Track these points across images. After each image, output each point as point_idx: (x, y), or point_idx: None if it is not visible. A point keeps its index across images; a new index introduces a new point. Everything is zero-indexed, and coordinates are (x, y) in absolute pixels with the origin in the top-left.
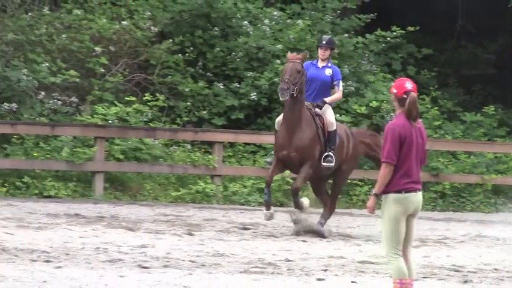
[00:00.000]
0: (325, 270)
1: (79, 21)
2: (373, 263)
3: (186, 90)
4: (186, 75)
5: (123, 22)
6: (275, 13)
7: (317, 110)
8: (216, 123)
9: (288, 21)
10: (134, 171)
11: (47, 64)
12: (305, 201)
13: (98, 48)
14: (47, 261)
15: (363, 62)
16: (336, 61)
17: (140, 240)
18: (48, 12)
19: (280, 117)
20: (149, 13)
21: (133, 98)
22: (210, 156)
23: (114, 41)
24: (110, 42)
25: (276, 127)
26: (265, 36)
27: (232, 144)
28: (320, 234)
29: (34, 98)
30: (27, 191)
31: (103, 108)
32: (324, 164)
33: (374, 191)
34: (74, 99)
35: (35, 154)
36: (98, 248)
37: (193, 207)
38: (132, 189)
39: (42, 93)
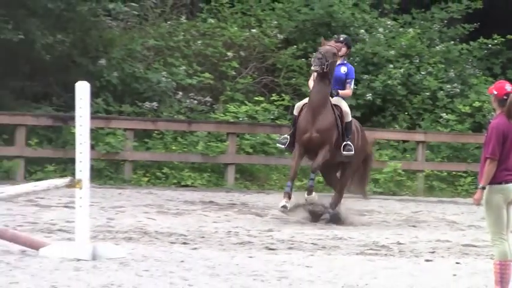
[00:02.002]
0: (433, 252)
1: (213, 29)
2: (475, 246)
3: (309, 91)
4: (308, 78)
5: (252, 30)
6: (388, 22)
7: (332, 100)
8: None
9: (400, 29)
10: (262, 163)
11: (184, 67)
12: (315, 195)
13: (229, 53)
14: (184, 243)
15: (467, 66)
16: (443, 65)
17: (267, 225)
18: (185, 21)
19: (301, 102)
20: (276, 22)
21: (262, 98)
22: None
23: (244, 46)
24: (240, 48)
25: (295, 112)
26: (379, 43)
27: None
28: (336, 221)
29: (172, 97)
30: (167, 180)
31: (234, 107)
32: (344, 152)
33: (481, 184)
34: (208, 98)
35: (173, 148)
36: (230, 231)
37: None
38: (260, 179)
39: (180, 93)
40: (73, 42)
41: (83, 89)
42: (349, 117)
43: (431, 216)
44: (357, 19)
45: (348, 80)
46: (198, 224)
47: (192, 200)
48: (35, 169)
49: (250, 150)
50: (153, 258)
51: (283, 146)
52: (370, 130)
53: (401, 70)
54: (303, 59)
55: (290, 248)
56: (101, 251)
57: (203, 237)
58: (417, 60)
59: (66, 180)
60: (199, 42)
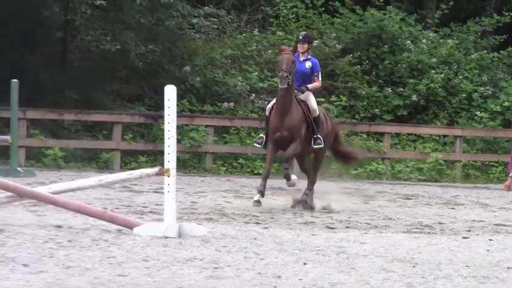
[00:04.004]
0: (469, 231)
1: (281, 40)
2: (505, 226)
3: (363, 93)
4: (362, 82)
5: (314, 41)
6: (431, 34)
7: (300, 96)
8: (385, 119)
9: (441, 40)
10: None
11: (257, 73)
12: (293, 176)
13: None
14: (257, 223)
15: (498, 71)
16: (477, 71)
17: (328, 207)
18: (257, 33)
19: (271, 104)
20: (334, 34)
21: (323, 99)
22: (381, 144)
23: None
24: None
25: (267, 113)
26: (423, 52)
27: (398, 135)
28: (311, 207)
29: (247, 98)
30: (242, 169)
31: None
32: (315, 146)
33: (511, 173)
34: None
35: (248, 141)
36: (295, 213)
37: (368, 182)
38: (321, 168)
39: (253, 95)
40: (162, 52)
41: (170, 92)
42: (316, 113)
43: (467, 200)
44: (404, 32)
45: (315, 73)
46: (269, 207)
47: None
48: (129, 160)
49: None
50: (230, 236)
51: (259, 146)
52: (415, 126)
53: (442, 75)
54: (357, 66)
55: (347, 227)
56: (186, 229)
57: (273, 218)
58: (455, 67)
59: (156, 169)
60: (269, 51)
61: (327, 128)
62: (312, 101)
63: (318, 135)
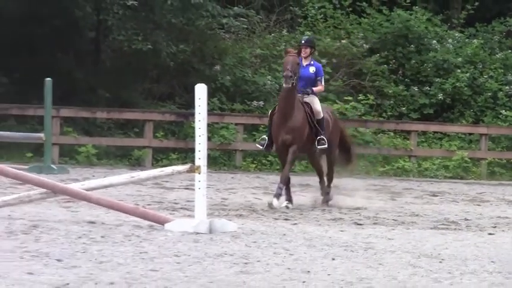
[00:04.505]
0: (494, 227)
1: None
2: None
3: (390, 92)
4: (389, 81)
5: (342, 41)
6: (456, 34)
7: (305, 98)
8: (412, 117)
9: (466, 40)
10: None
11: None
12: (282, 203)
13: (323, 60)
14: (286, 219)
15: None
16: (502, 70)
17: (356, 203)
18: (286, 33)
19: (274, 107)
20: (362, 34)
21: (350, 98)
22: (407, 142)
23: (336, 55)
24: (332, 56)
25: (269, 118)
26: (448, 52)
27: (424, 133)
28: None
29: (276, 97)
30: (271, 167)
31: (327, 105)
32: (319, 146)
33: None
34: None
35: None
36: (325, 209)
37: (395, 180)
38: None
39: None
40: (193, 51)
41: (201, 90)
42: (320, 115)
43: (493, 197)
44: (430, 32)
45: (318, 78)
46: (298, 203)
47: (292, 183)
48: (160, 157)
49: None
50: (260, 232)
51: (261, 147)
52: (441, 124)
53: (467, 74)
54: (384, 65)
55: (375, 224)
56: (216, 225)
57: (302, 214)
58: (480, 66)
59: (186, 166)
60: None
61: (332, 128)
62: (316, 104)
63: (322, 136)
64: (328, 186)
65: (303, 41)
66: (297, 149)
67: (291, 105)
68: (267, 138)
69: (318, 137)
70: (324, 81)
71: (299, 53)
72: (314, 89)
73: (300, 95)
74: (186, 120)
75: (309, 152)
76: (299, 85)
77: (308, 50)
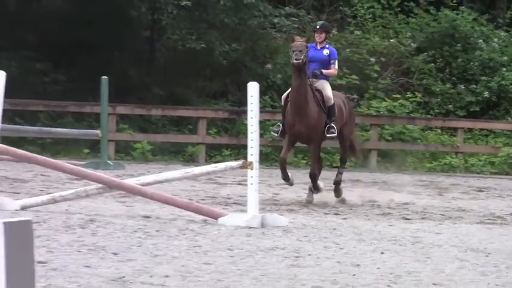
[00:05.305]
0: None
1: (359, 39)
2: None
3: (437, 90)
4: (437, 79)
5: (390, 40)
6: (502, 34)
7: (316, 84)
8: (458, 114)
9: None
10: (399, 149)
11: None
12: (321, 184)
13: (372, 59)
14: (336, 214)
15: None
16: None
17: (404, 199)
18: (336, 32)
19: (286, 93)
20: (410, 33)
21: (398, 95)
22: (454, 138)
23: (384, 53)
24: (381, 54)
25: (282, 103)
26: (494, 51)
27: (470, 130)
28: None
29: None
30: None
31: (376, 103)
32: (328, 135)
33: None
34: (355, 96)
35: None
36: (373, 204)
37: (442, 175)
38: (397, 162)
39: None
40: (245, 50)
41: (253, 88)
42: (331, 102)
43: None
44: (476, 31)
45: (331, 61)
46: (348, 198)
47: (342, 179)
48: (214, 153)
49: (389, 138)
50: (311, 226)
51: (276, 135)
52: (487, 122)
53: None
54: (432, 64)
55: (422, 218)
56: (268, 220)
57: (351, 208)
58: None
59: (239, 162)
60: (347, 50)
61: (345, 112)
62: (328, 90)
63: (332, 124)
64: (343, 167)
65: (318, 26)
66: (319, 141)
67: (304, 94)
68: (281, 125)
69: (328, 125)
70: (337, 64)
71: (307, 41)
72: (326, 71)
73: (310, 78)
74: (238, 118)
75: (322, 140)
76: (312, 67)
77: (323, 35)
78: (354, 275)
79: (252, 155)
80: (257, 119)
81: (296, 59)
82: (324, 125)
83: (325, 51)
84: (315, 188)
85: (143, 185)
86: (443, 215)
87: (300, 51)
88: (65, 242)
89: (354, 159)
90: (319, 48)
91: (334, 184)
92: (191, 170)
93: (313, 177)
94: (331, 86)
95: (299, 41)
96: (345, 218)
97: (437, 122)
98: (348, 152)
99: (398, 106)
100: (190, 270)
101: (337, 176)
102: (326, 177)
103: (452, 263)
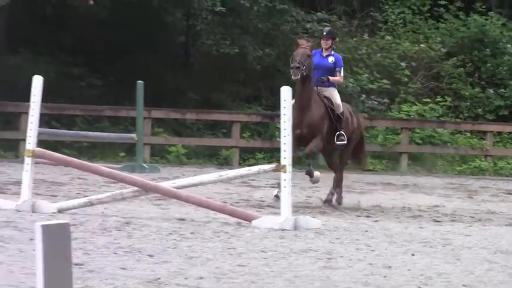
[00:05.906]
0: None
1: (389, 44)
2: None
3: (467, 94)
4: (466, 83)
5: (421, 45)
6: None
7: (325, 92)
8: (487, 118)
9: None
10: (429, 152)
11: (367, 75)
12: (317, 173)
13: (403, 64)
14: (367, 216)
15: None
16: None
17: (434, 201)
18: (367, 37)
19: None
20: (439, 38)
21: (428, 100)
22: (483, 142)
23: (415, 58)
24: (411, 59)
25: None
26: None
27: (500, 133)
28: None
29: (357, 99)
30: (353, 166)
31: (407, 107)
32: (338, 142)
33: None
34: (385, 100)
35: None
36: (404, 207)
37: (471, 178)
38: (427, 165)
39: (363, 95)
40: (278, 55)
41: (286, 93)
42: (340, 109)
43: None
44: (505, 36)
45: (337, 69)
46: (379, 201)
47: (373, 182)
48: (247, 157)
49: (420, 142)
50: (343, 229)
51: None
52: None
53: None
54: (461, 68)
55: (453, 221)
56: (301, 222)
57: (382, 211)
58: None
59: (272, 165)
60: (378, 54)
61: (352, 125)
62: (336, 97)
63: (341, 132)
64: (336, 187)
65: (324, 33)
66: (320, 140)
67: (308, 98)
68: None
69: (338, 133)
70: (342, 72)
71: (312, 47)
72: (331, 78)
73: (316, 86)
74: (271, 121)
75: (328, 147)
76: (316, 74)
77: (330, 42)
78: (385, 276)
79: (285, 158)
80: (290, 123)
81: (294, 75)
82: (334, 133)
83: (331, 59)
84: (308, 173)
85: (178, 188)
86: (472, 217)
87: (298, 67)
88: (101, 244)
89: (358, 166)
90: (324, 55)
91: (324, 202)
92: (225, 173)
93: (309, 155)
94: (363, 90)
95: (302, 47)
96: (376, 221)
97: (466, 125)
98: (343, 168)
99: (428, 110)
100: (224, 272)
101: (328, 195)
102: (357, 180)
103: (481, 264)
